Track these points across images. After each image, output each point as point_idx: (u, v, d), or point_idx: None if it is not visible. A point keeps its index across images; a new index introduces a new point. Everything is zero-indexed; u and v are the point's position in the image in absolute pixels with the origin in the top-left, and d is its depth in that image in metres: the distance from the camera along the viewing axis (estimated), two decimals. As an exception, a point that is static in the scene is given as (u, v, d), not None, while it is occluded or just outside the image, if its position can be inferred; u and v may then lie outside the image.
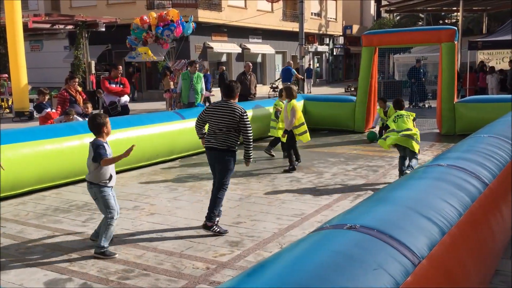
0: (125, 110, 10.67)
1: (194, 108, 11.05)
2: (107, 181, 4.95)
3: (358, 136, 12.43)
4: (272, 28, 33.33)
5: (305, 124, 8.72)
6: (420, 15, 35.21)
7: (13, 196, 7.07)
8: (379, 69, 18.72)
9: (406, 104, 12.26)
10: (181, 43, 18.81)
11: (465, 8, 25.42)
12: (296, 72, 18.54)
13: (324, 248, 2.35)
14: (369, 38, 12.87)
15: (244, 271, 2.30)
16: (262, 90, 27.53)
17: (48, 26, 20.82)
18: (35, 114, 14.40)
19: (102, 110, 12.95)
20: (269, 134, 10.29)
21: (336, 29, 42.97)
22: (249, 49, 31.88)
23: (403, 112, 7.70)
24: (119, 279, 4.37)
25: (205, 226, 5.47)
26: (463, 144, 5.32)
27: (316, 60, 41.91)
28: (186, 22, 16.14)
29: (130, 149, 4.88)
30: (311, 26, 37.45)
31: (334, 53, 44.78)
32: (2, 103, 19.93)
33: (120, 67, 11.29)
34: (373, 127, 11.93)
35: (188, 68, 11.62)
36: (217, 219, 5.54)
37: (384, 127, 11.48)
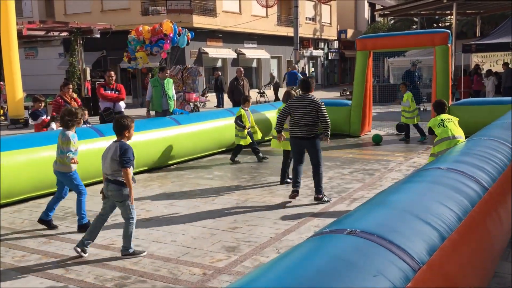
0: (120, 116, 10.65)
1: (192, 114, 11.06)
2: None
3: (353, 140, 12.44)
4: (267, 33, 33.41)
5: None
6: (414, 18, 35.37)
7: (8, 204, 7.03)
8: (374, 72, 18.77)
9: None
10: (177, 49, 18.82)
11: (459, 11, 25.53)
12: (301, 76, 18.64)
13: (323, 253, 2.33)
14: (363, 42, 12.91)
15: (241, 277, 2.28)
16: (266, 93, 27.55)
17: (42, 33, 20.76)
18: (30, 122, 14.34)
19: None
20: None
21: (330, 33, 43.12)
22: (244, 54, 31.93)
23: (448, 116, 6.81)
24: (116, 286, 4.34)
25: (317, 199, 6.78)
26: (462, 147, 5.30)
27: (311, 64, 42.00)
28: (180, 34, 16.16)
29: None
30: (305, 30, 37.56)
31: (329, 57, 44.91)
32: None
33: (112, 72, 11.14)
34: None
35: (158, 74, 11.10)
36: (323, 190, 6.86)
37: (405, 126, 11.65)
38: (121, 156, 4.88)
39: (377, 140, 11.65)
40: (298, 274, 2.09)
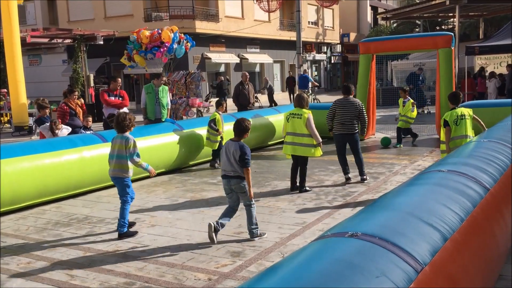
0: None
1: (192, 119, 11.02)
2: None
3: (357, 143, 12.40)
4: (269, 37, 33.47)
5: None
6: (417, 21, 35.38)
7: (13, 211, 7.05)
8: (377, 76, 18.75)
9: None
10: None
11: (462, 13, 25.51)
12: (312, 80, 18.72)
13: (326, 256, 2.34)
14: (366, 45, 12.92)
15: (246, 281, 2.29)
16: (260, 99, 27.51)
17: (46, 40, 20.86)
18: (34, 128, 14.41)
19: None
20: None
21: (333, 37, 43.15)
22: (247, 59, 31.98)
23: (463, 111, 6.76)
24: (121, 292, 4.34)
25: (362, 179, 8.18)
26: (463, 149, 5.31)
27: (314, 68, 42.04)
28: (180, 40, 16.16)
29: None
30: (308, 34, 37.60)
31: (332, 61, 44.93)
32: (2, 118, 19.94)
33: (119, 79, 11.27)
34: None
35: (153, 81, 10.57)
36: (365, 172, 8.31)
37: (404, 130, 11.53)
38: (241, 157, 5.36)
39: (386, 143, 11.59)
40: (301, 277, 2.10)
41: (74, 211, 7.06)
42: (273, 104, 22.50)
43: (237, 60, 31.37)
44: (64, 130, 9.47)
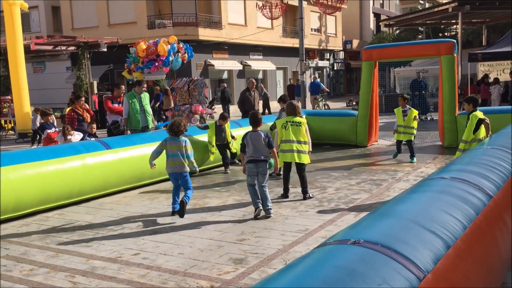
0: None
1: (192, 126, 11.01)
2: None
3: (360, 150, 12.41)
4: (272, 44, 33.55)
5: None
6: (420, 28, 35.42)
7: (16, 218, 7.06)
8: (380, 82, 18.75)
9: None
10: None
11: (464, 20, 25.56)
12: (323, 86, 18.82)
13: (328, 264, 2.33)
14: (369, 52, 12.94)
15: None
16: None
17: (50, 47, 20.96)
18: (39, 137, 14.46)
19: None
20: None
21: (336, 44, 43.23)
22: (250, 65, 32.05)
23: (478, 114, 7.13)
24: (123, 299, 4.34)
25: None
26: (466, 156, 5.30)
27: (317, 75, 42.10)
28: (178, 51, 16.19)
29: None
30: (311, 41, 37.68)
31: (335, 68, 44.99)
32: (5, 125, 20.02)
33: (123, 86, 11.33)
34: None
35: (134, 89, 10.27)
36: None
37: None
38: (269, 141, 6.65)
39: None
40: (303, 284, 2.10)
41: (77, 218, 7.06)
42: (266, 111, 22.56)
43: (240, 67, 31.44)
44: (77, 136, 9.55)
